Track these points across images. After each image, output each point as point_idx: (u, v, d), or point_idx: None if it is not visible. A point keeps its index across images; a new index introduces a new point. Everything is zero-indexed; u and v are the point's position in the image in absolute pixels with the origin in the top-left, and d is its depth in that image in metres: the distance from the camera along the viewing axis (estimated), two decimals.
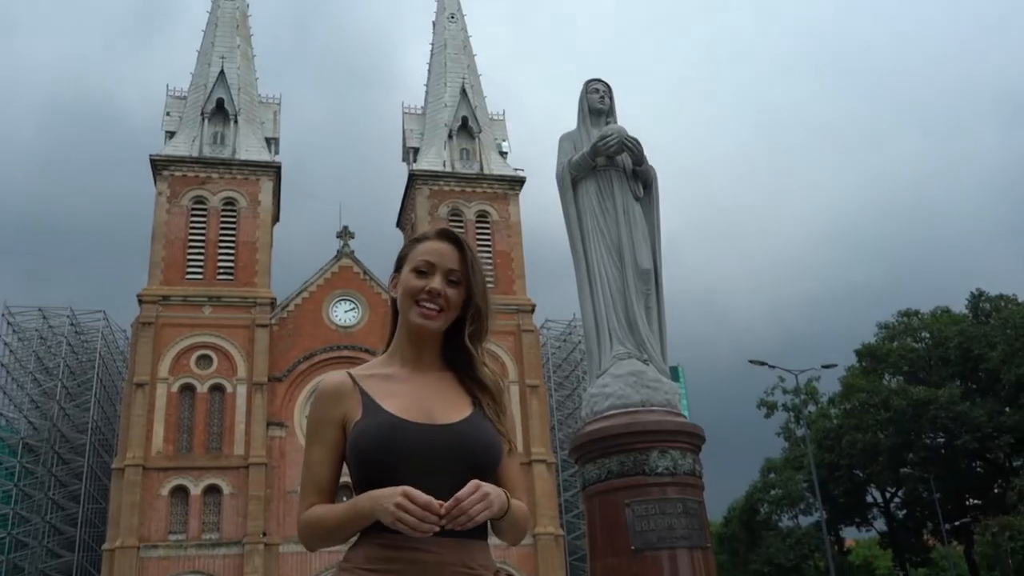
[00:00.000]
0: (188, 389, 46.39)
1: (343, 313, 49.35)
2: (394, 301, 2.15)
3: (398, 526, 1.73)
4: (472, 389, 2.06)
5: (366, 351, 47.72)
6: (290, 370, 47.66)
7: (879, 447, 46.53)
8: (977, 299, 49.64)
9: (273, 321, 48.34)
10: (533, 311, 52.40)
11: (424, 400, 1.98)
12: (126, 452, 44.29)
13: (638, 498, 9.75)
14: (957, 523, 48.02)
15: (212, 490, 44.97)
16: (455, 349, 2.10)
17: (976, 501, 49.08)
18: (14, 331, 50.20)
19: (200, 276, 48.51)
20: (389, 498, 1.75)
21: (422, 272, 2.07)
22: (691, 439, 10.36)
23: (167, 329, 46.58)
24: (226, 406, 46.47)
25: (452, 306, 2.06)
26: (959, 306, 50.52)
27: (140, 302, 47.02)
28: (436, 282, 2.05)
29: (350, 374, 2.07)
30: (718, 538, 58.41)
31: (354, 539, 1.91)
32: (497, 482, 2.02)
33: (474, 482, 1.78)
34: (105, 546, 43.82)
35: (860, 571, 55.55)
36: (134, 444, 44.28)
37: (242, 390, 46.60)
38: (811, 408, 54.19)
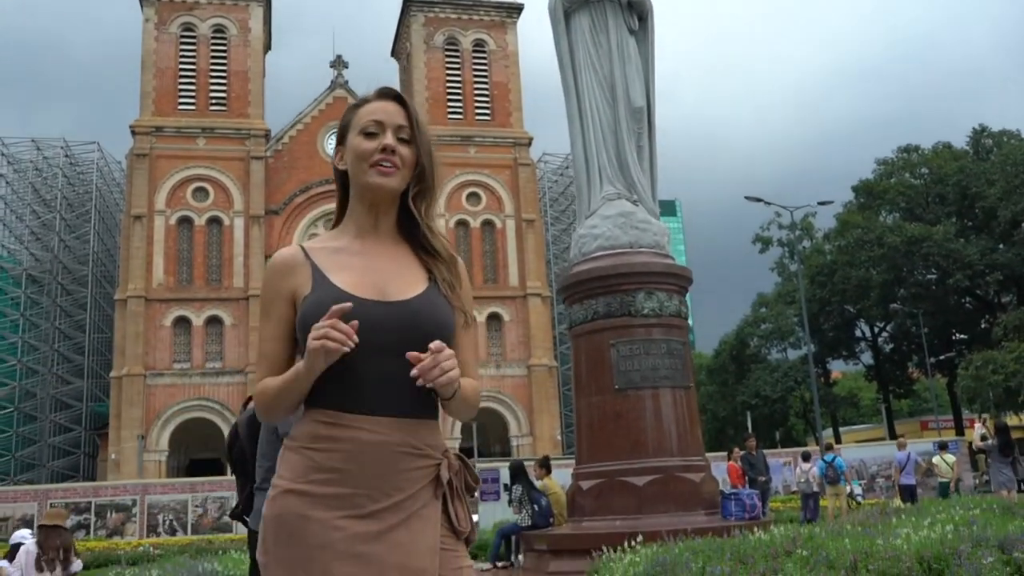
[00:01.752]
0: (186, 222, 46.46)
1: None
2: (340, 174, 2.04)
3: (323, 345, 1.69)
4: (427, 261, 1.99)
5: None
6: (286, 203, 47.57)
7: (871, 283, 47.04)
8: (979, 135, 48.92)
9: (268, 153, 47.84)
10: (530, 144, 51.76)
11: (377, 274, 1.90)
12: (127, 283, 44.87)
13: (623, 339, 9.92)
14: (942, 357, 49.17)
15: (214, 321, 45.83)
16: (408, 217, 2.01)
17: (962, 336, 50.10)
18: (9, 162, 49.71)
19: (193, 107, 47.64)
20: (316, 335, 1.72)
21: (371, 133, 1.96)
22: (678, 281, 10.43)
23: (162, 161, 46.16)
24: (224, 239, 46.67)
25: (406, 164, 1.96)
26: (962, 142, 49.93)
27: (133, 133, 46.40)
28: (388, 138, 1.94)
29: (302, 247, 1.99)
30: (707, 370, 59.96)
31: (300, 416, 1.89)
32: None
33: (440, 343, 1.75)
34: (112, 374, 45.12)
35: (844, 402, 57.31)
36: (135, 276, 44.78)
37: (239, 223, 46.68)
38: (806, 244, 54.45)
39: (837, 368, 62.07)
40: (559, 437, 47.70)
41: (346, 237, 1.99)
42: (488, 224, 50.19)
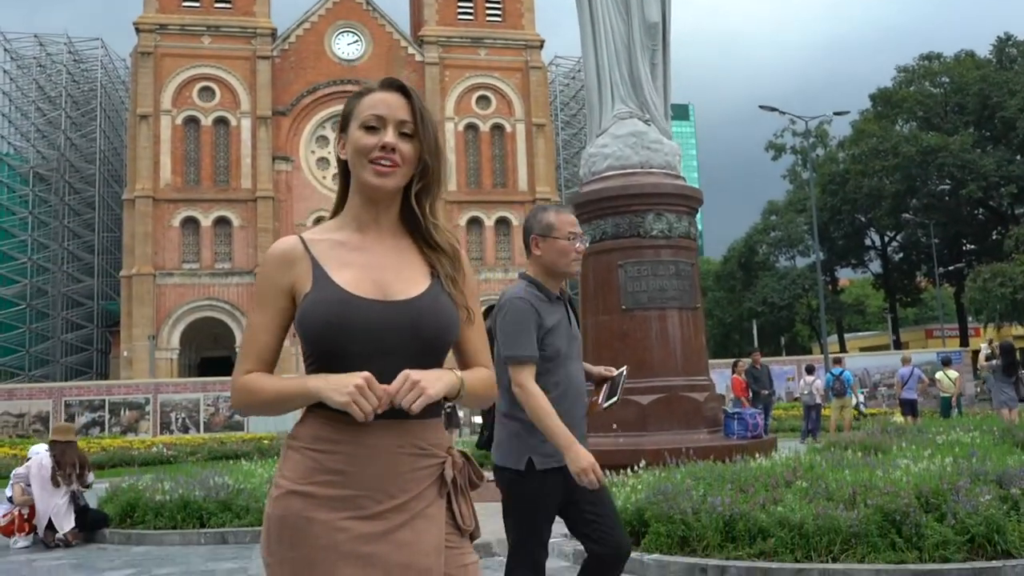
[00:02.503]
0: (192, 122, 46.02)
1: (346, 46, 47.81)
2: (343, 163, 1.97)
3: (351, 408, 1.69)
4: (429, 255, 1.94)
5: None
6: (294, 104, 46.99)
7: (883, 192, 46.66)
8: (1003, 44, 47.68)
9: (274, 53, 47.00)
10: (542, 47, 50.71)
11: (379, 272, 1.85)
12: (135, 183, 44.77)
13: (631, 260, 9.89)
14: (951, 268, 49.09)
15: (222, 222, 45.86)
16: (412, 211, 1.95)
17: (972, 247, 49.91)
18: (12, 58, 49.00)
19: (197, 3, 46.58)
20: (348, 381, 1.70)
21: (371, 128, 1.87)
22: (688, 202, 10.34)
23: (167, 60, 45.46)
24: (231, 140, 46.31)
25: (407, 161, 1.88)
26: (986, 51, 48.76)
27: (137, 31, 45.56)
28: (389, 136, 1.86)
29: (301, 238, 1.94)
30: (715, 276, 60.04)
31: (300, 414, 1.87)
32: (458, 354, 1.96)
33: (403, 373, 1.72)
34: (122, 273, 45.42)
35: (850, 309, 57.49)
36: (142, 176, 44.64)
37: (246, 124, 46.23)
38: (819, 152, 53.78)
39: (845, 276, 62.09)
40: None
41: (347, 229, 1.93)
42: (498, 128, 49.60)
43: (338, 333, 1.77)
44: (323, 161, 47.49)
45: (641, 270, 9.84)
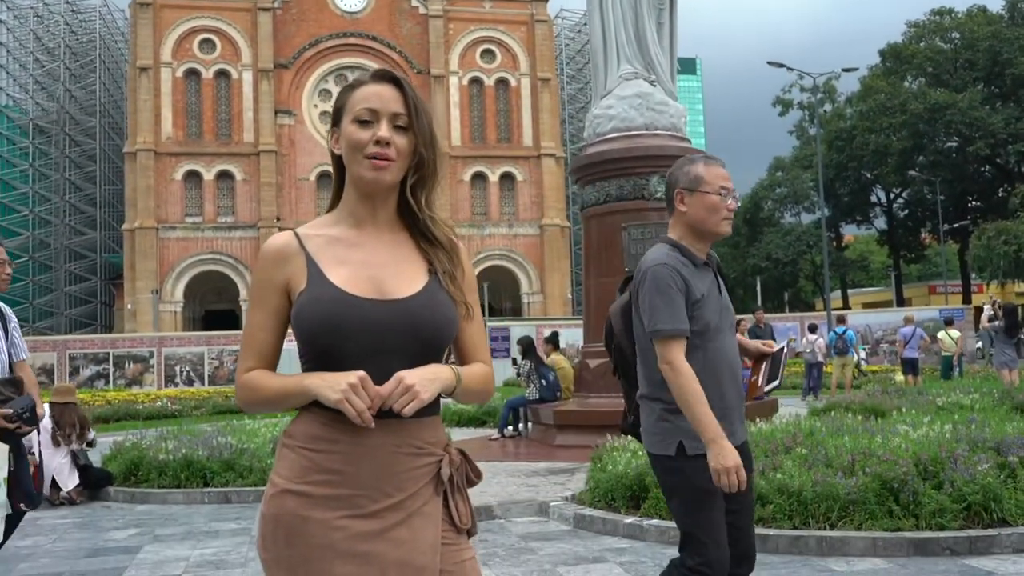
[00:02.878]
0: (193, 75, 45.64)
1: None
2: (337, 158, 1.94)
3: (343, 406, 1.68)
4: (427, 250, 1.92)
5: (373, 39, 46.28)
6: (296, 57, 46.53)
7: (890, 149, 46.37)
8: None
9: (276, 5, 46.42)
10: (547, 0, 50.12)
11: (375, 269, 1.81)
12: (136, 136, 44.54)
13: (635, 222, 9.85)
14: (956, 225, 48.95)
15: (225, 176, 45.70)
16: (409, 204, 1.92)
17: (978, 204, 49.72)
18: (8, 8, 48.46)
19: None
20: (342, 380, 1.69)
21: (365, 121, 1.83)
22: None
23: (166, 11, 44.94)
24: (233, 93, 45.96)
25: (402, 155, 1.84)
26: (998, 6, 48.08)
27: None
28: (383, 129, 1.81)
29: (296, 234, 1.91)
30: None
31: (296, 412, 1.87)
32: (456, 350, 1.95)
33: (396, 376, 1.71)
34: (125, 226, 45.39)
35: (854, 265, 57.49)
36: (143, 128, 44.39)
37: (248, 77, 45.84)
38: (827, 108, 53.33)
39: (849, 232, 62.01)
40: (569, 296, 48.23)
41: (343, 225, 1.90)
42: (502, 82, 49.16)
43: (334, 333, 1.74)
44: (326, 115, 47.13)
45: (645, 232, 9.80)
